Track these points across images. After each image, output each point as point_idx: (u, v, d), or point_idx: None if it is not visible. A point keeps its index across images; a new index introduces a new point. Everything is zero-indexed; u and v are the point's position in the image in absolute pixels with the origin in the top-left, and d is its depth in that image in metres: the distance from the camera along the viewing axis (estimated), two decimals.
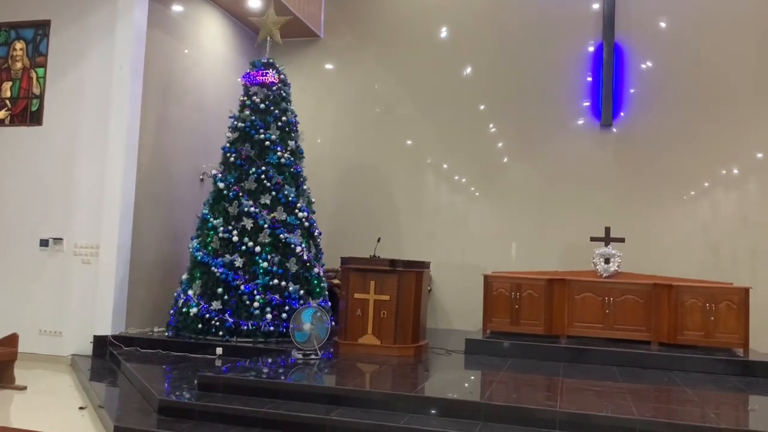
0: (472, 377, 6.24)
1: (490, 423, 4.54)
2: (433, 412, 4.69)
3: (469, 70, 9.82)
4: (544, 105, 9.43)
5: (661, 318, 7.16)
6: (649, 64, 9.12)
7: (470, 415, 4.60)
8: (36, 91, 8.14)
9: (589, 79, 9.32)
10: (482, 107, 9.68)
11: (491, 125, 9.65)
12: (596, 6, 9.32)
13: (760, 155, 8.61)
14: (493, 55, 9.71)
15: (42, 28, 8.18)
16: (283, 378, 5.53)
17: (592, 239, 8.05)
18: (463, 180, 9.72)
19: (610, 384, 5.75)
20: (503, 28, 9.69)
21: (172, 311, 7.64)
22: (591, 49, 9.33)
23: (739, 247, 8.54)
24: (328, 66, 10.48)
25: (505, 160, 9.56)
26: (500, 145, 9.62)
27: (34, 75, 8.17)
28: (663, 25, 9.09)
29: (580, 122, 9.32)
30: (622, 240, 7.93)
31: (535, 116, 9.45)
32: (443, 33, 9.97)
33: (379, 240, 7.57)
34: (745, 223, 8.55)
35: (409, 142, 9.97)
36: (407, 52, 10.06)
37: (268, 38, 8.34)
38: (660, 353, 6.79)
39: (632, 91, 9.15)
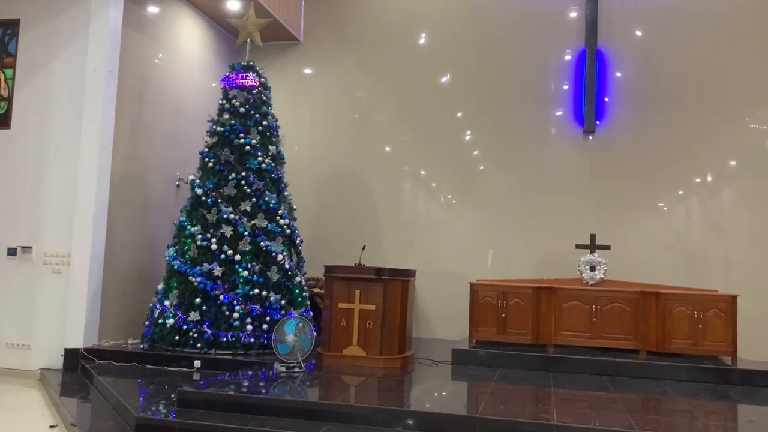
0: (462, 390, 6.06)
1: None
2: (426, 428, 4.50)
3: (448, 76, 9.73)
4: (524, 112, 9.36)
5: (649, 326, 7.08)
6: (631, 70, 9.10)
7: (465, 431, 4.42)
8: (4, 93, 7.81)
9: (566, 87, 9.28)
10: (460, 114, 9.59)
11: (469, 132, 9.56)
12: (575, 14, 9.29)
13: (733, 163, 8.64)
14: (473, 61, 9.62)
15: (11, 27, 7.85)
16: (266, 393, 5.29)
17: (578, 246, 7.96)
18: (442, 187, 9.61)
19: (603, 394, 5.63)
20: (483, 35, 9.61)
21: (147, 322, 7.35)
22: (570, 57, 9.29)
23: (721, 255, 8.54)
24: (308, 70, 10.30)
25: (484, 167, 9.47)
26: (479, 152, 9.52)
27: (2, 76, 7.84)
28: (645, 31, 9.08)
29: (562, 129, 9.26)
30: (607, 247, 7.85)
31: (515, 123, 9.37)
32: (423, 39, 9.87)
33: (364, 248, 7.37)
34: (729, 231, 8.56)
35: (387, 148, 9.83)
36: (386, 58, 9.94)
37: (248, 41, 8.12)
38: (649, 362, 6.70)
39: (615, 97, 9.12)
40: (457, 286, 8.97)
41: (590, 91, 9.05)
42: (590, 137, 9.13)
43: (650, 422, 4.60)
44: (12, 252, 7.55)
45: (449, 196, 9.58)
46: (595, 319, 7.23)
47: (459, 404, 5.35)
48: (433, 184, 9.64)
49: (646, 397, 5.69)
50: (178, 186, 8.75)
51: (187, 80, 9.07)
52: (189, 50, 9.11)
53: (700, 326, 6.89)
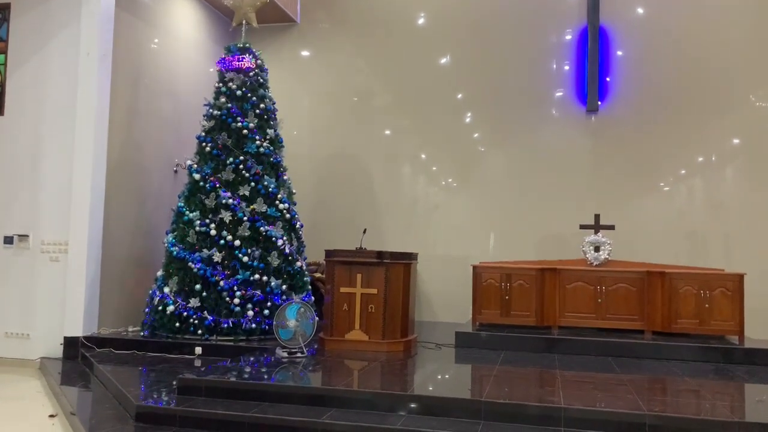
0: (467, 373, 5.99)
1: (492, 422, 4.30)
2: (431, 412, 4.42)
3: (447, 57, 9.58)
4: (525, 92, 9.23)
5: (655, 306, 7.00)
6: (634, 48, 8.94)
7: (471, 415, 4.35)
8: None
9: (567, 67, 9.14)
10: (460, 96, 9.45)
11: (469, 114, 9.43)
12: None
13: (736, 141, 8.51)
14: (472, 42, 9.47)
15: (1, 12, 7.70)
16: (268, 379, 5.22)
17: (582, 227, 7.85)
18: (442, 170, 9.49)
19: (610, 376, 5.55)
20: (483, 15, 9.44)
21: (147, 310, 7.27)
22: (572, 35, 9.13)
23: (723, 234, 8.44)
24: (305, 53, 10.14)
25: (485, 149, 9.35)
26: (479, 134, 9.40)
27: None
28: (648, 8, 8.91)
29: (564, 109, 9.12)
30: (612, 227, 7.75)
31: (516, 104, 9.24)
32: (421, 20, 9.70)
33: (365, 231, 7.28)
34: (733, 210, 8.45)
35: (387, 131, 9.70)
36: (385, 40, 9.79)
37: (244, 22, 7.97)
38: (655, 342, 6.62)
39: (618, 76, 8.97)
40: (459, 268, 8.94)
41: (593, 70, 8.90)
42: (593, 117, 9.00)
43: (658, 403, 4.52)
44: (8, 240, 7.45)
45: (450, 180, 9.47)
46: (600, 300, 7.15)
47: (464, 388, 5.27)
48: (434, 168, 9.53)
49: (653, 377, 5.62)
50: (175, 171, 8.63)
51: (183, 63, 8.92)
52: (184, 33, 8.95)
53: (707, 305, 6.80)
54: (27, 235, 7.41)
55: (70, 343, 7.06)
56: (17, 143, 7.52)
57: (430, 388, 5.09)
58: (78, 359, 6.97)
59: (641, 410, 4.21)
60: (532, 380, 5.43)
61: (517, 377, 5.49)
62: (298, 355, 6.00)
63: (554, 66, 9.20)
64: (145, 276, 7.89)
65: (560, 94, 9.14)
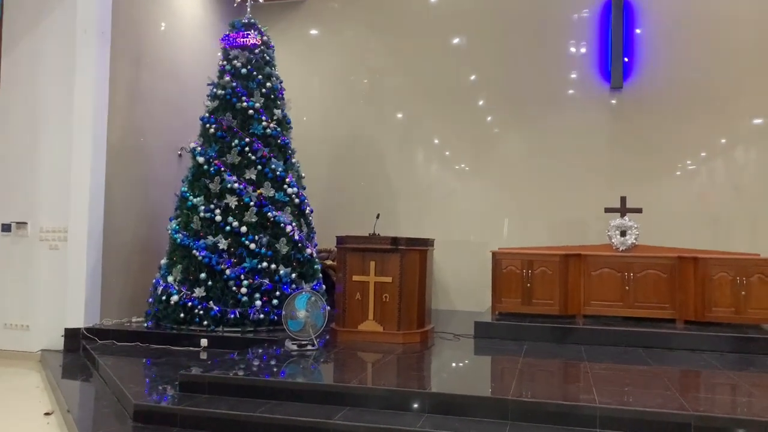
0: (488, 366, 5.62)
1: (520, 422, 3.93)
2: (452, 411, 4.05)
3: (461, 36, 9.11)
4: (543, 70, 8.78)
5: (687, 294, 6.57)
6: (659, 22, 8.44)
7: (497, 414, 3.97)
8: None
9: (588, 43, 8.66)
10: (474, 77, 9.01)
11: (484, 95, 8.98)
12: None
13: (758, 121, 8.03)
14: (487, 18, 9.03)
15: None
16: (276, 374, 4.87)
17: (607, 210, 7.43)
18: (456, 154, 9.08)
19: (643, 369, 5.16)
20: None
21: (151, 300, 6.94)
22: (592, 11, 8.63)
23: (757, 217, 7.98)
24: (314, 31, 9.72)
25: (500, 131, 8.91)
26: (493, 117, 8.95)
27: None
28: None
29: (584, 87, 8.66)
30: (639, 210, 7.32)
31: (533, 83, 8.79)
32: None
33: (378, 216, 6.89)
34: (760, 192, 7.99)
35: (399, 115, 9.28)
36: (397, 20, 9.36)
37: None
38: (688, 332, 6.20)
39: (641, 52, 8.48)
40: (476, 255, 8.58)
41: (617, 45, 8.42)
42: (616, 95, 8.52)
43: (703, 402, 4.13)
44: (6, 228, 7.14)
45: (463, 165, 9.05)
46: (627, 288, 6.74)
47: (487, 384, 4.91)
48: (447, 153, 9.11)
49: (690, 371, 5.22)
50: (180, 156, 8.28)
51: (187, 42, 8.53)
52: (188, 9, 8.56)
53: (743, 293, 6.37)
54: (25, 223, 7.09)
55: (71, 334, 6.76)
56: (14, 126, 7.18)
57: (451, 385, 4.72)
58: (80, 351, 6.66)
59: (685, 410, 3.82)
60: (559, 375, 5.06)
61: (543, 371, 5.11)
62: (309, 347, 5.64)
63: (574, 42, 8.72)
64: (150, 264, 7.57)
65: (580, 72, 8.68)
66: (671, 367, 5.25)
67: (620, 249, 7.04)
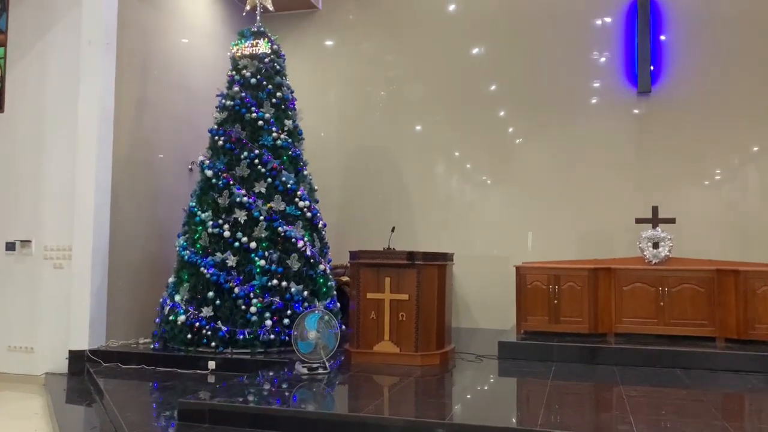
0: (514, 391, 5.21)
1: None
2: None
3: (481, 45, 8.77)
4: (566, 75, 8.37)
5: (728, 310, 6.11)
6: (687, 23, 8.02)
7: None
8: None
9: (613, 47, 8.23)
10: (494, 87, 8.64)
11: (505, 105, 8.61)
12: None
13: None
14: (506, 26, 8.67)
15: (0, 2, 7.18)
16: (284, 402, 4.51)
17: (638, 221, 7.00)
18: (477, 166, 8.69)
19: (684, 393, 4.72)
20: None
21: (158, 320, 6.64)
22: (615, 15, 8.25)
23: None
24: (328, 42, 9.45)
25: (522, 141, 8.52)
26: (515, 128, 8.57)
27: None
28: None
29: (610, 93, 8.25)
30: (672, 221, 6.89)
31: (556, 89, 8.39)
32: (452, 6, 8.92)
33: (393, 229, 6.53)
34: None
35: (418, 127, 8.94)
36: (414, 30, 9.04)
37: (258, 5, 7.31)
38: (730, 351, 5.74)
39: (669, 54, 8.07)
40: (499, 269, 8.19)
41: (643, 47, 8.01)
42: (643, 101, 8.10)
43: None
44: (11, 247, 6.92)
45: (483, 177, 8.67)
46: (662, 303, 6.29)
47: (511, 412, 4.50)
48: (468, 165, 8.73)
49: (734, 394, 4.77)
50: (190, 170, 8.02)
51: (196, 53, 8.30)
52: (195, 19, 8.33)
53: None
54: (29, 241, 6.86)
55: (75, 357, 6.48)
56: (18, 141, 6.98)
57: (473, 413, 4.33)
58: (84, 375, 6.38)
59: None
60: (591, 400, 4.64)
61: (575, 396, 4.69)
62: (320, 370, 5.28)
63: (598, 48, 8.33)
64: (158, 282, 7.27)
65: (606, 77, 8.27)
66: (715, 392, 4.81)
67: (653, 262, 6.60)
